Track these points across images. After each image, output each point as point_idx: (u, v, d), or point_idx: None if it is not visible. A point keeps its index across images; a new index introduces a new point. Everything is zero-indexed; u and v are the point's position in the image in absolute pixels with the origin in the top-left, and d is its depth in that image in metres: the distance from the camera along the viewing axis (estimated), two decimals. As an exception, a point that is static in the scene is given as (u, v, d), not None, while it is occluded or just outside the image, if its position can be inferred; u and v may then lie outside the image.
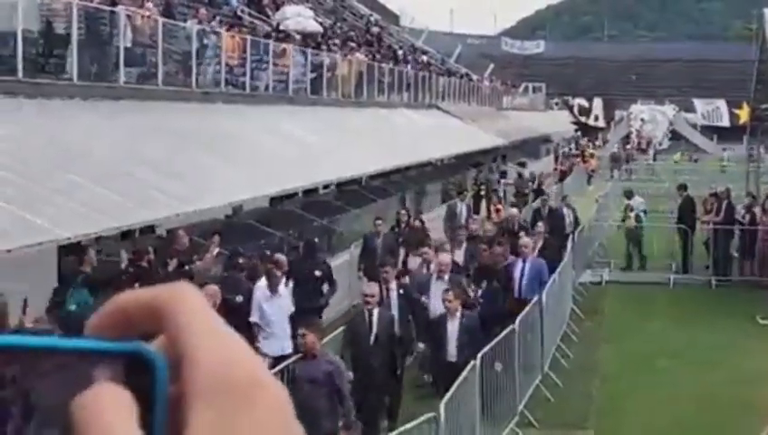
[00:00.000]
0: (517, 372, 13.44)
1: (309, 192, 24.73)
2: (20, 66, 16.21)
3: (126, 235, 17.09)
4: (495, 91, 61.20)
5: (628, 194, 27.31)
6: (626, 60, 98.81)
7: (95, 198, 14.10)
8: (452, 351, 12.76)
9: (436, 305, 13.91)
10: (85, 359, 0.60)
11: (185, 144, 18.89)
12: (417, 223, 22.17)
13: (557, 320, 17.06)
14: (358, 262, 19.35)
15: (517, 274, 16.00)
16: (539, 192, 32.32)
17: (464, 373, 11.04)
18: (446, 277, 14.67)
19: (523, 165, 47.74)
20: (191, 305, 0.62)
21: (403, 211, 23.29)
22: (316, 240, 17.92)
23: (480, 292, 15.43)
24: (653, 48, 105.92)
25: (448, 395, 10.22)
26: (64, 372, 0.59)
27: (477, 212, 30.14)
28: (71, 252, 15.31)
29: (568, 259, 19.26)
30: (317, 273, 16.04)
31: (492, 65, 73.40)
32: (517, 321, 13.55)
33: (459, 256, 17.39)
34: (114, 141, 16.85)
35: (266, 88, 26.33)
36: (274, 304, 13.84)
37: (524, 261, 16.13)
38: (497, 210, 24.91)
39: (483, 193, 33.44)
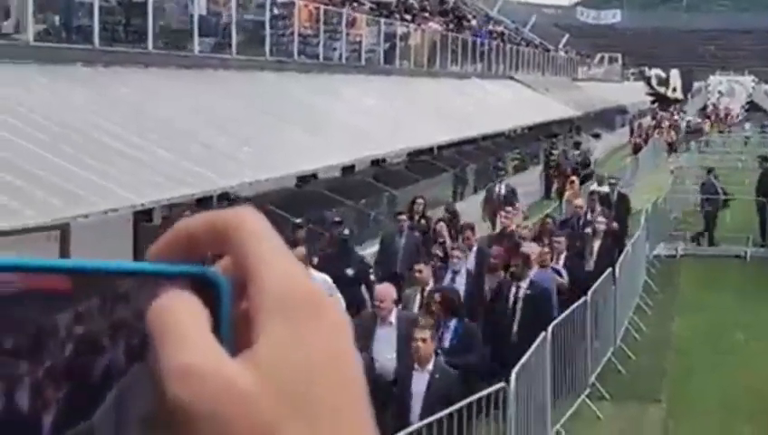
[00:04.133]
0: (589, 344, 13.34)
1: (380, 162, 24.73)
2: (96, 35, 16.40)
3: (201, 202, 17.21)
4: (570, 62, 60.65)
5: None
6: (705, 30, 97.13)
7: (170, 165, 14.25)
8: (414, 418, 8.86)
9: (380, 356, 9.80)
10: (150, 282, 0.61)
11: (258, 113, 19.00)
12: (444, 214, 17.13)
13: (630, 292, 16.88)
14: (374, 269, 14.71)
15: (511, 301, 11.97)
16: (585, 170, 28.39)
17: (534, 344, 10.97)
18: (392, 319, 9.97)
19: (597, 136, 47.28)
20: (255, 226, 0.63)
21: (420, 200, 17.38)
22: (347, 232, 15.08)
23: (446, 334, 10.30)
24: (733, 18, 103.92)
25: (518, 366, 10.17)
26: (131, 294, 0.61)
27: (550, 188, 29.52)
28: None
29: (642, 232, 19.04)
30: (349, 272, 13.28)
31: (567, 35, 72.66)
32: (589, 293, 13.42)
33: (469, 264, 13.49)
34: (189, 110, 17.00)
35: (339, 57, 26.35)
36: None
37: (516, 279, 11.99)
38: (571, 182, 23.87)
39: (553, 165, 30.28)
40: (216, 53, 20.53)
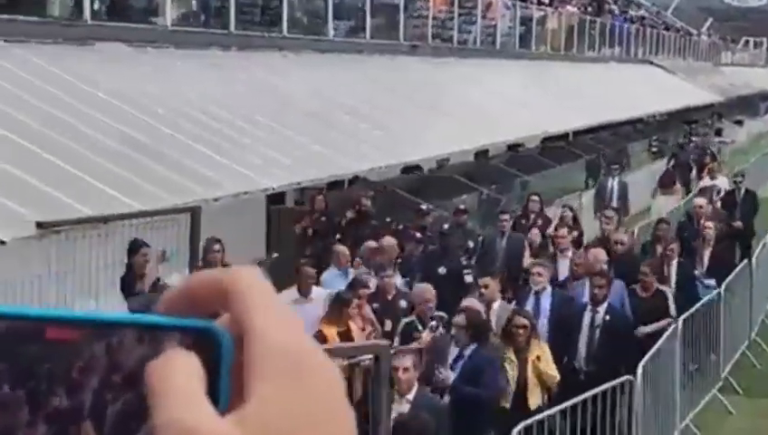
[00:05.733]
0: (722, 337, 13.01)
1: (515, 147, 24.53)
2: (232, 19, 16.66)
3: (332, 185, 17.34)
4: (713, 46, 59.22)
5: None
6: None
7: (302, 149, 14.41)
8: None
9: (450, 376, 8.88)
10: (157, 334, 0.65)
11: (392, 97, 19.06)
12: (567, 212, 15.62)
13: (767, 285, 16.39)
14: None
15: (586, 322, 10.27)
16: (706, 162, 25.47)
17: (665, 335, 10.75)
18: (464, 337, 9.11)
19: (739, 123, 46.07)
20: (251, 286, 0.65)
21: (535, 197, 16.27)
22: (446, 226, 13.98)
23: (460, 360, 8.96)
24: None
25: (647, 358, 9.98)
26: (136, 346, 0.64)
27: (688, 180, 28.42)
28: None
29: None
30: (441, 270, 12.18)
31: (710, 19, 70.88)
32: (723, 285, 13.08)
33: (564, 271, 12.17)
34: (322, 93, 17.14)
35: (474, 41, 26.24)
36: (302, 311, 10.08)
37: (595, 303, 10.27)
38: (709, 170, 22.90)
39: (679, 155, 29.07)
40: (351, 37, 20.65)
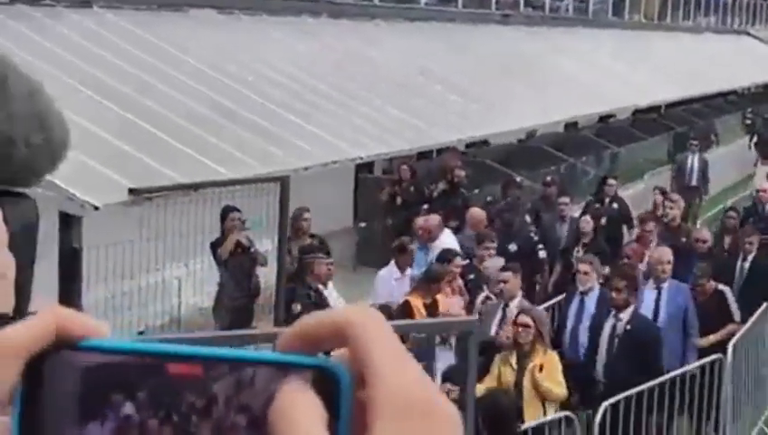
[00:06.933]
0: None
1: (604, 118, 24.22)
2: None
3: (421, 155, 17.30)
4: (814, 17, 57.72)
5: None
6: None
7: (391, 119, 14.39)
8: None
9: None
10: (276, 371, 0.65)
11: (482, 67, 18.92)
12: (659, 196, 14.14)
13: None
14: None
15: (607, 329, 9.17)
16: None
17: (756, 314, 10.53)
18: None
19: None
20: (376, 327, 0.65)
21: (611, 181, 15.30)
22: (509, 200, 13.69)
23: None
24: None
25: (737, 337, 9.81)
26: (256, 383, 0.64)
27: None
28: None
29: None
30: (511, 247, 11.63)
31: (811, -12, 69.12)
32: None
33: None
34: (412, 63, 17.08)
35: (566, 10, 25.94)
36: (399, 288, 10.26)
37: (617, 310, 9.15)
38: None
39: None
40: (442, 5, 20.56)
